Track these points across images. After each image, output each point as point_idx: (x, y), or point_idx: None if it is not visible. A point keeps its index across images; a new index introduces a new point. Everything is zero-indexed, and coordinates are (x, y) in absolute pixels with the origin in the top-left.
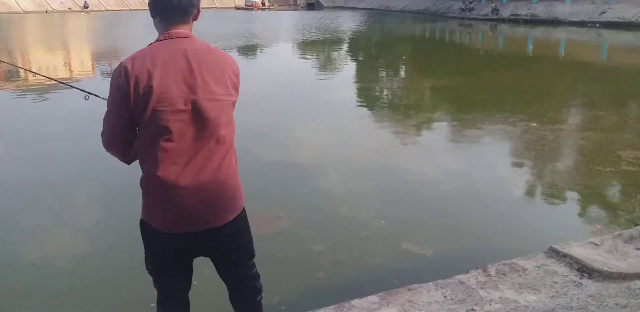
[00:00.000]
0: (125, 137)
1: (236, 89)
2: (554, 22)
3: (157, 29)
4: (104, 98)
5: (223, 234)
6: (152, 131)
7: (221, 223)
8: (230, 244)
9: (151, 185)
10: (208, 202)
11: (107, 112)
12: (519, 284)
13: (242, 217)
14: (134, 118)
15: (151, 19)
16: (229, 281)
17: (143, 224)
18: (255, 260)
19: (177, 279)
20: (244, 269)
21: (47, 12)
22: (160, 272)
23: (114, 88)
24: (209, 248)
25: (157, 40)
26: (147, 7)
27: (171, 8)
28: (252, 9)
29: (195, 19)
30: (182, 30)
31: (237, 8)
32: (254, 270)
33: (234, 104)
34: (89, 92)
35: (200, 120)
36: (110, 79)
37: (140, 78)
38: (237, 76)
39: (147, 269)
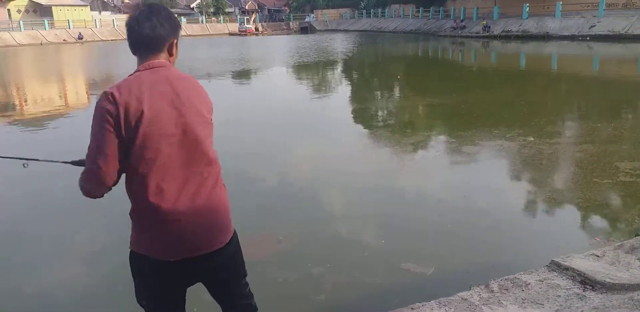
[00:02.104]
0: (116, 165)
1: (211, 113)
2: (545, 37)
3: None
4: (44, 160)
5: (219, 256)
6: (144, 157)
7: (218, 246)
8: (226, 266)
9: (145, 213)
10: (205, 225)
11: (93, 145)
12: (523, 299)
13: (235, 237)
14: (122, 146)
15: None
16: (224, 303)
17: (134, 256)
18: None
19: (173, 309)
20: (238, 289)
21: (42, 44)
22: (157, 303)
23: (101, 116)
24: (205, 272)
25: (137, 70)
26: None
27: (140, 42)
28: (245, 35)
29: (170, 53)
30: (159, 60)
31: (230, 34)
32: (248, 288)
33: (211, 125)
34: (25, 158)
35: (191, 142)
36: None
37: (130, 104)
38: (210, 101)
39: (140, 303)
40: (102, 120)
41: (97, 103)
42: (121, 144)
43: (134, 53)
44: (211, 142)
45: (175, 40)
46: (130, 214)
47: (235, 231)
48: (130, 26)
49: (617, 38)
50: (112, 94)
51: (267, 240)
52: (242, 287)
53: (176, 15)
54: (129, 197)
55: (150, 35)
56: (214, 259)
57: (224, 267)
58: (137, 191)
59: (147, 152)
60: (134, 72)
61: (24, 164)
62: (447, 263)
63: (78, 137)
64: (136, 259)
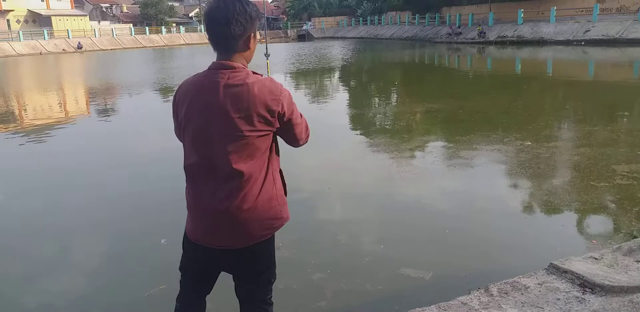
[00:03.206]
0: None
1: (269, 122)
2: (540, 42)
3: None
4: None
5: (239, 255)
6: (184, 148)
7: (235, 247)
8: (247, 266)
9: (187, 193)
10: (214, 226)
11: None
12: (522, 303)
13: (259, 247)
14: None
15: (141, 56)
16: (243, 303)
17: (185, 228)
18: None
19: (194, 283)
20: (259, 293)
21: (41, 54)
22: (185, 272)
23: (172, 105)
24: (226, 265)
25: (208, 67)
26: (139, 45)
27: (213, 38)
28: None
29: (243, 49)
30: (226, 61)
31: None
32: (269, 296)
33: (267, 135)
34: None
35: (215, 153)
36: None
37: (177, 104)
38: (271, 110)
39: (179, 265)
40: (173, 109)
41: None
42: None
43: (213, 49)
44: (250, 154)
45: (252, 34)
46: None
47: (268, 241)
48: (206, 23)
49: (612, 42)
50: (176, 92)
51: None
52: (263, 293)
53: (174, 24)
54: None
55: (225, 34)
56: (233, 256)
57: (243, 267)
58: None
59: (185, 152)
60: (208, 68)
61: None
62: (447, 268)
63: (82, 145)
64: (184, 234)
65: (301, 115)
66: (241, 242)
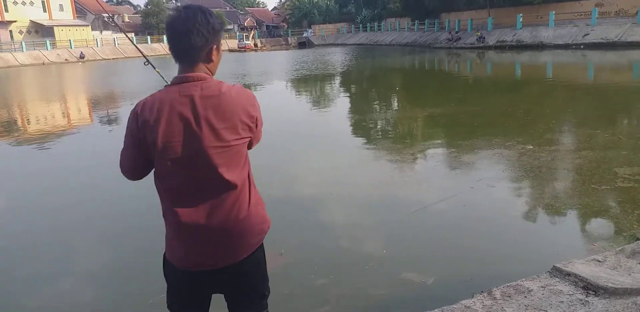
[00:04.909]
0: (137, 170)
1: (250, 128)
2: (539, 46)
3: None
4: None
5: (230, 274)
6: (161, 174)
7: (228, 263)
8: (241, 282)
9: (167, 220)
10: (216, 244)
11: (123, 149)
12: (525, 306)
13: (256, 256)
14: (147, 157)
15: (144, 64)
16: None
17: (164, 258)
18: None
19: None
20: (254, 309)
21: (44, 64)
22: (177, 307)
23: (128, 131)
24: (220, 285)
25: (171, 83)
26: (142, 55)
27: (174, 49)
28: (245, 51)
29: (206, 61)
30: (194, 73)
31: (230, 50)
32: (265, 311)
33: (246, 142)
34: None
35: (205, 167)
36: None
37: (147, 125)
38: (251, 116)
39: (167, 305)
40: (129, 134)
41: (129, 115)
42: (144, 154)
43: (175, 61)
44: (237, 163)
45: (215, 45)
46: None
47: (259, 251)
48: (167, 34)
49: (611, 45)
50: (136, 113)
51: (269, 253)
52: (257, 307)
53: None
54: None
55: (185, 45)
56: (227, 274)
57: (238, 283)
58: (160, 198)
59: (163, 170)
60: (167, 85)
61: (144, 63)
62: (449, 272)
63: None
64: (164, 261)
65: None
66: (240, 254)
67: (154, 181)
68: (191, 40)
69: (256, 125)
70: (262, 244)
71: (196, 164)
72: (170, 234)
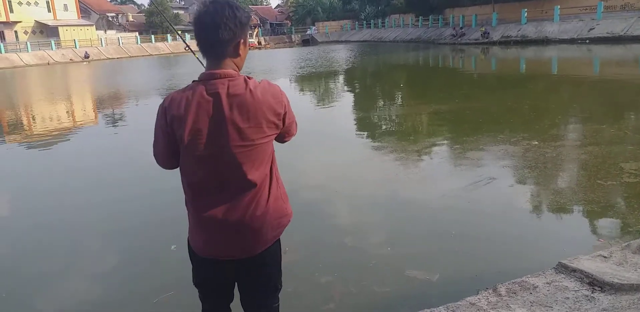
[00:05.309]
0: (172, 162)
1: (277, 126)
2: (545, 41)
3: None
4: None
5: (247, 265)
6: (185, 169)
7: (242, 257)
8: (258, 273)
9: (189, 210)
10: (233, 238)
11: (154, 141)
12: (531, 302)
13: (274, 249)
14: (177, 149)
15: (145, 64)
16: (248, 310)
17: (188, 241)
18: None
19: (215, 297)
20: (265, 301)
21: (48, 64)
22: (200, 287)
23: (158, 125)
24: (237, 274)
25: (199, 79)
26: (145, 54)
27: (202, 44)
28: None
29: (233, 55)
30: (221, 70)
31: None
32: (276, 304)
33: (272, 139)
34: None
35: (228, 166)
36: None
37: (175, 121)
38: (277, 113)
39: (193, 281)
40: (158, 129)
41: (158, 108)
42: (173, 147)
43: (202, 56)
44: (261, 161)
45: (242, 40)
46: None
47: (275, 246)
48: (195, 28)
49: (617, 40)
50: (164, 109)
51: None
52: (269, 300)
53: (180, 32)
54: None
55: (213, 39)
56: (241, 266)
57: (251, 276)
58: (184, 189)
59: (187, 165)
60: (195, 80)
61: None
62: (454, 269)
63: (92, 151)
64: (189, 245)
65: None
66: (257, 248)
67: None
68: (219, 34)
69: (284, 122)
70: (279, 239)
71: (220, 162)
72: (191, 223)
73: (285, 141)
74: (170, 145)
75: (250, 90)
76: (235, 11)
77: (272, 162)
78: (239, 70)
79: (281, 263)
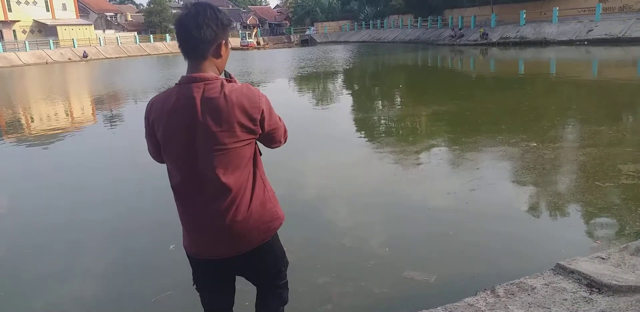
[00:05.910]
0: (162, 159)
1: (251, 130)
2: (543, 43)
3: None
4: None
5: (244, 259)
6: (168, 169)
7: (233, 254)
8: (252, 267)
9: (178, 212)
10: (216, 240)
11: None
12: (529, 304)
13: (265, 245)
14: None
15: (143, 63)
16: (259, 288)
17: (183, 244)
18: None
19: (215, 296)
20: (272, 280)
21: (47, 63)
22: (199, 288)
23: (145, 125)
24: (233, 270)
25: (179, 82)
26: (144, 53)
27: (183, 44)
28: (247, 49)
29: (215, 56)
30: (199, 73)
31: (232, 49)
32: (284, 281)
33: (250, 143)
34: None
35: (202, 170)
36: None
37: (155, 124)
38: (252, 118)
39: (193, 281)
40: (146, 128)
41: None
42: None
43: (184, 57)
44: (236, 166)
45: (224, 41)
46: None
47: (269, 243)
48: (177, 30)
49: (615, 41)
50: (147, 111)
51: None
52: (276, 279)
53: None
54: None
55: (195, 39)
56: (239, 259)
57: (250, 268)
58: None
59: (169, 173)
60: (177, 83)
61: None
62: (452, 269)
63: (87, 149)
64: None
65: (280, 119)
66: (245, 248)
67: None
68: (201, 34)
69: (262, 127)
70: (275, 235)
71: (194, 165)
72: (181, 221)
73: (274, 148)
74: (157, 146)
75: (225, 94)
76: (217, 13)
77: (255, 165)
78: (220, 72)
79: (281, 247)
